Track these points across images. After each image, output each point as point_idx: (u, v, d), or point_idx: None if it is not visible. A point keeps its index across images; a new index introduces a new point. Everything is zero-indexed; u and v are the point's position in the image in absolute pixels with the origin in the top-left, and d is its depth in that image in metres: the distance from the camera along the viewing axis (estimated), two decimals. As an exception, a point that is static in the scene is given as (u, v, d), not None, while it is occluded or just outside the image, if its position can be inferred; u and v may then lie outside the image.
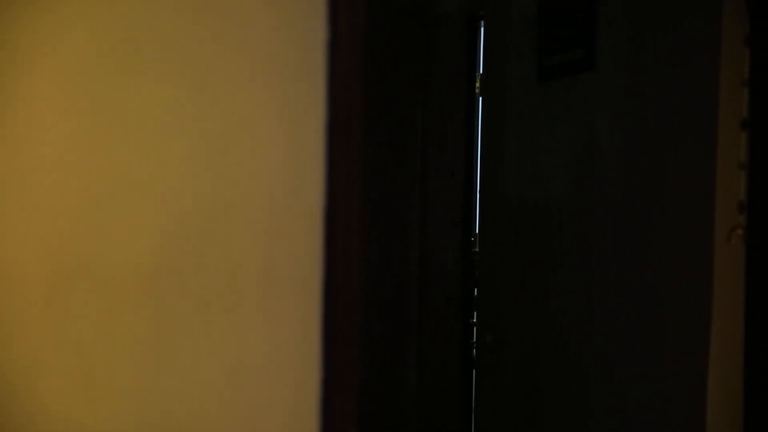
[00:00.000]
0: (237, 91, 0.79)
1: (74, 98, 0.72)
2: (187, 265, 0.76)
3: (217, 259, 0.78)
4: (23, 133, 0.71)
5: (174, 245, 0.75)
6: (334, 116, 0.84)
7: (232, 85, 0.79)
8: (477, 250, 2.80)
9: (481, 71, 2.78)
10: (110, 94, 0.73)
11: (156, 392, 0.75)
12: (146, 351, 0.75)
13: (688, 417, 1.68)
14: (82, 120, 0.72)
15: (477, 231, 2.82)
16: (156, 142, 0.75)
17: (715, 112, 1.59)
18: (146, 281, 0.74)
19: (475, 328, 2.77)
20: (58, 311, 0.71)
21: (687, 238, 1.69)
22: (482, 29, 2.79)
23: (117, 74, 0.73)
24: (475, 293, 2.77)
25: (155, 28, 0.74)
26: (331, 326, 0.85)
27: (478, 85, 2.97)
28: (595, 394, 1.99)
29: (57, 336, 0.71)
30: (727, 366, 1.62)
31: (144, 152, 0.74)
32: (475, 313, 2.80)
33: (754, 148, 1.58)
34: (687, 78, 1.69)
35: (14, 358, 0.71)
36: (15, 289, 0.71)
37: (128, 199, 0.73)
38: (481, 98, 2.75)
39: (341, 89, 0.85)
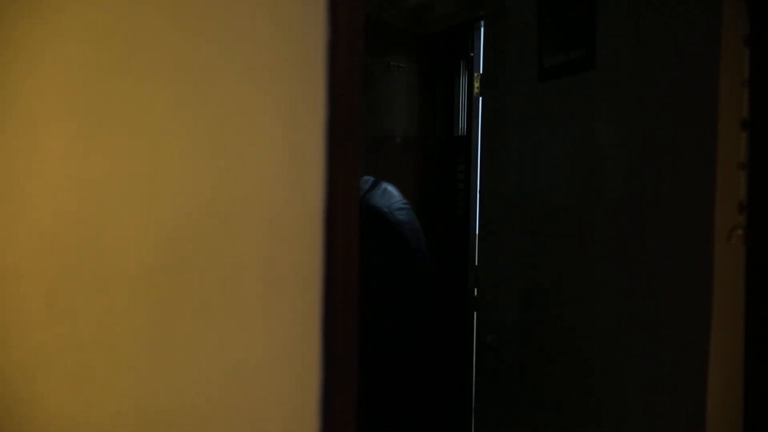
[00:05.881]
0: (238, 91, 0.79)
1: (75, 101, 0.72)
2: (188, 265, 0.76)
3: (218, 260, 0.78)
4: (24, 134, 0.71)
5: (174, 245, 0.75)
6: (334, 116, 0.84)
7: (232, 86, 0.79)
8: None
9: (481, 71, 2.78)
10: (111, 96, 0.73)
11: (156, 392, 0.75)
12: (146, 351, 0.75)
13: (688, 417, 1.68)
14: (82, 122, 0.72)
15: (477, 231, 2.82)
16: (157, 143, 0.75)
17: (715, 112, 1.59)
18: (146, 281, 0.74)
19: (475, 328, 2.77)
20: (58, 311, 0.71)
21: (687, 238, 1.69)
22: (482, 29, 2.80)
23: (118, 77, 0.73)
24: (475, 293, 2.77)
25: (155, 31, 0.74)
26: (331, 326, 0.85)
27: (477, 85, 2.97)
28: (594, 394, 1.99)
29: (57, 336, 0.71)
30: (727, 366, 1.62)
31: (145, 153, 0.74)
32: (475, 313, 2.81)
33: (754, 148, 1.57)
34: (687, 78, 1.69)
35: (14, 358, 0.71)
36: (15, 289, 0.71)
37: (129, 199, 0.73)
38: (481, 98, 2.75)
39: (341, 89, 0.85)
